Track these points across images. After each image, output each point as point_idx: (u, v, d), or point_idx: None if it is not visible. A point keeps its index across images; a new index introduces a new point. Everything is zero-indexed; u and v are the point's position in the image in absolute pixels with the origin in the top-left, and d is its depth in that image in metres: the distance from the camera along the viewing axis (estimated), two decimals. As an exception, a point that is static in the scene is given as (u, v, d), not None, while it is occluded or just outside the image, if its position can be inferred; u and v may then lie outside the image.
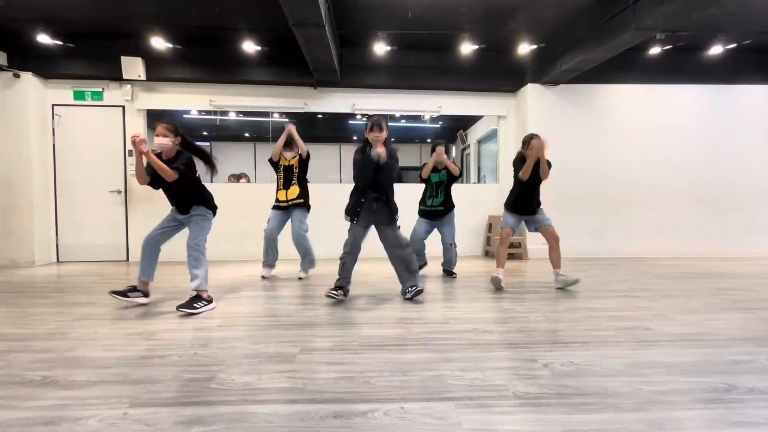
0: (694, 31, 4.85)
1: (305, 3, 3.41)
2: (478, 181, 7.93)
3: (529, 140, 3.52)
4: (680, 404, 1.53)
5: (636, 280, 4.05)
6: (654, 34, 4.15)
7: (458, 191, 4.51)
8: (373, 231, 3.23)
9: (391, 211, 3.15)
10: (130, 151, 5.42)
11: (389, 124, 3.12)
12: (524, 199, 3.61)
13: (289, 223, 4.09)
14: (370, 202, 3.13)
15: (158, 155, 2.82)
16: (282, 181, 4.11)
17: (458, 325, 2.52)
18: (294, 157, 4.10)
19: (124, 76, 5.17)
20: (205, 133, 9.69)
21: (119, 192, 5.48)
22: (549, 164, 3.57)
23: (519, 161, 3.61)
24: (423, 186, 4.18)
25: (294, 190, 4.07)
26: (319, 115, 7.14)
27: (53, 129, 5.39)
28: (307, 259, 4.12)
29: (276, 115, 6.56)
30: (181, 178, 2.81)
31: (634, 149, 5.80)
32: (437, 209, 4.06)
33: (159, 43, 4.97)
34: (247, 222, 5.22)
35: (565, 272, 3.58)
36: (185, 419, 1.42)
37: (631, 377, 1.76)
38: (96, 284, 3.88)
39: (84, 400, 1.55)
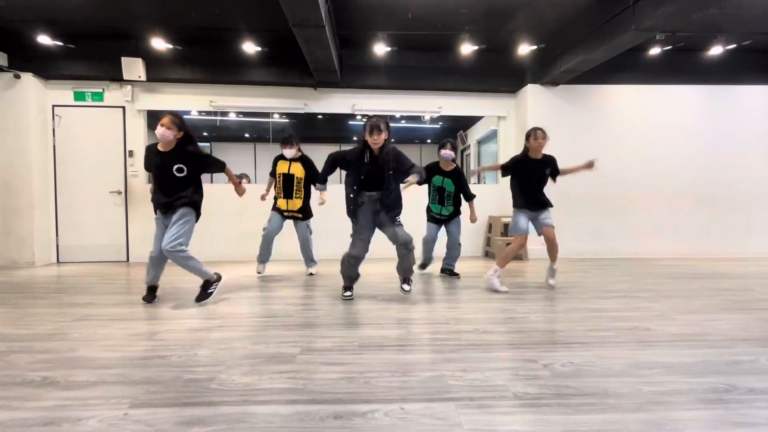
0: (694, 32, 4.85)
1: (305, 4, 3.41)
2: (478, 182, 7.92)
3: (533, 132, 3.49)
4: (680, 405, 1.53)
5: (636, 280, 4.05)
6: (654, 34, 4.14)
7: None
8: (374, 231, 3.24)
9: (390, 208, 3.14)
10: (131, 151, 5.43)
11: (389, 124, 3.09)
12: (531, 192, 3.54)
13: (289, 224, 4.09)
14: (372, 203, 3.12)
15: (155, 144, 2.97)
16: (282, 191, 3.98)
17: (458, 325, 2.52)
18: (296, 161, 3.98)
19: (125, 77, 5.17)
20: (205, 134, 9.71)
21: (119, 193, 5.48)
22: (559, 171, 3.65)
23: (514, 163, 3.60)
24: (423, 186, 4.15)
25: (296, 203, 3.98)
26: (319, 116, 7.15)
27: (54, 130, 5.39)
28: (310, 260, 4.26)
29: (276, 116, 6.56)
30: (211, 161, 3.12)
31: (634, 149, 5.79)
32: (445, 217, 4.05)
33: (159, 43, 4.97)
34: (247, 222, 5.21)
35: (557, 267, 3.64)
36: (185, 420, 1.43)
37: (631, 378, 1.76)
38: (96, 285, 3.87)
39: (84, 401, 1.56)
